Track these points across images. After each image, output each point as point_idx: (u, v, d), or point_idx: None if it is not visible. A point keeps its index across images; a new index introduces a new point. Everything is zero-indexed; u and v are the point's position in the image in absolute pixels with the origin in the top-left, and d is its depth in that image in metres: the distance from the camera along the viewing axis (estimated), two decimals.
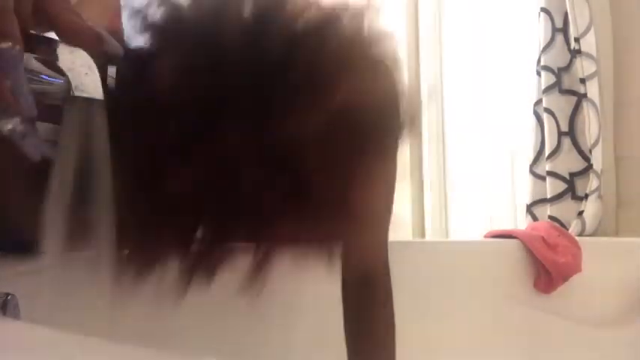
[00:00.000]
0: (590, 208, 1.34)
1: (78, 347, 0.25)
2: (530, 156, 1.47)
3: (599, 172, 1.34)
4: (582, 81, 1.38)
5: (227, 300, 0.55)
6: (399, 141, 0.47)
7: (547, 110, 1.42)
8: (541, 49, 1.44)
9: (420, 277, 0.99)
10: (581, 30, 1.38)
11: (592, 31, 1.38)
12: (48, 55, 0.36)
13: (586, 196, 1.35)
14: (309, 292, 0.77)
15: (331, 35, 0.39)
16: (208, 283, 0.39)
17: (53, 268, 0.34)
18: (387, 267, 0.62)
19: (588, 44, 1.38)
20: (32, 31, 0.36)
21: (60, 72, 0.36)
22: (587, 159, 1.39)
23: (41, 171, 0.34)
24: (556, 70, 1.43)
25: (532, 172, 1.46)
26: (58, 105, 0.35)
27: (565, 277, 1.10)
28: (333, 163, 0.38)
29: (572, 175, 1.39)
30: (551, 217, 1.38)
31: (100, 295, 0.38)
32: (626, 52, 1.43)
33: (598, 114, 1.36)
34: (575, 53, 1.39)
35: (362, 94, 0.39)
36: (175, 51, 0.37)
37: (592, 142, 1.36)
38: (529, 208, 1.45)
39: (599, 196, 1.34)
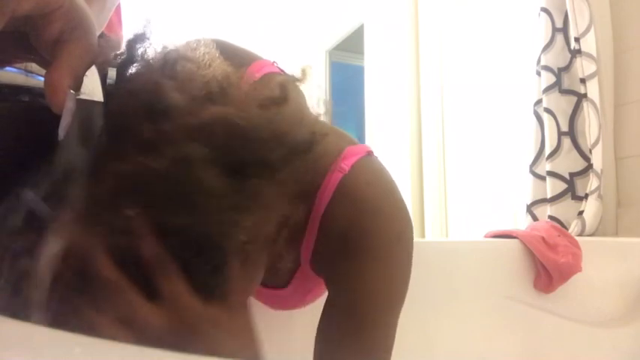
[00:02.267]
0: (590, 208, 1.34)
1: (78, 347, 0.25)
2: (530, 156, 1.47)
3: (599, 172, 1.34)
4: (582, 81, 1.38)
5: None
6: None
7: (547, 110, 1.42)
8: (541, 49, 1.45)
9: (420, 277, 0.99)
10: (581, 30, 1.38)
11: (592, 31, 1.38)
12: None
13: (586, 196, 1.35)
14: None
15: None
16: None
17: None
18: None
19: (588, 44, 1.38)
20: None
21: None
22: (587, 159, 1.39)
23: (39, 171, 0.34)
24: (556, 70, 1.43)
25: (532, 172, 1.46)
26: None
27: (565, 277, 1.10)
28: None
29: (572, 175, 1.39)
30: (551, 217, 1.38)
31: None
32: (626, 52, 1.43)
33: (598, 114, 1.36)
34: (575, 53, 1.40)
35: None
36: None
37: (592, 142, 1.36)
38: (529, 208, 1.45)
39: (599, 196, 1.34)
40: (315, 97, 0.49)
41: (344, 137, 0.60)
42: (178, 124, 0.35)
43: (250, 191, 0.37)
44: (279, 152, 0.38)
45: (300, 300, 0.66)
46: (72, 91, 0.35)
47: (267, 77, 0.54)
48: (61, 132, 0.34)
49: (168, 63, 0.38)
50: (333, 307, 0.55)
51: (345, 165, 0.55)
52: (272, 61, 0.65)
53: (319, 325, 0.56)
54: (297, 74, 0.48)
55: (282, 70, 0.66)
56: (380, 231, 0.54)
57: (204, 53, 0.41)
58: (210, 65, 0.40)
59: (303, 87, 0.49)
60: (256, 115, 0.38)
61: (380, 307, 0.55)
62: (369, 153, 0.59)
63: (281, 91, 0.42)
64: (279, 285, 0.64)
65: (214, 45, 0.44)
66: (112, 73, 0.39)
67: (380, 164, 0.60)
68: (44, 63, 0.37)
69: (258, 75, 0.59)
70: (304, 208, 0.54)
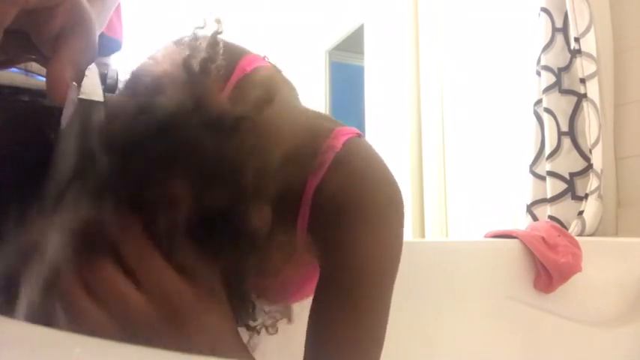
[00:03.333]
0: (590, 208, 1.34)
1: (78, 347, 0.25)
2: (530, 156, 1.47)
3: (599, 172, 1.34)
4: (582, 81, 1.38)
5: None
6: None
7: (547, 110, 1.42)
8: (541, 49, 1.45)
9: (420, 277, 0.99)
10: (581, 30, 1.38)
11: (592, 31, 1.38)
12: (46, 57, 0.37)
13: (586, 196, 1.35)
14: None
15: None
16: None
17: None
18: None
19: (588, 44, 1.38)
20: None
21: None
22: (587, 159, 1.39)
23: (39, 171, 0.34)
24: (556, 70, 1.43)
25: (532, 172, 1.46)
26: (57, 106, 0.35)
27: (565, 277, 1.10)
28: None
29: (572, 175, 1.39)
30: (551, 217, 1.38)
31: None
32: (626, 52, 1.43)
33: (598, 114, 1.36)
34: (575, 53, 1.40)
35: None
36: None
37: (592, 142, 1.36)
38: (529, 208, 1.45)
39: (599, 196, 1.34)
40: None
41: (333, 121, 0.63)
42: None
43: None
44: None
45: (296, 291, 0.67)
46: (74, 83, 0.35)
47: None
48: (64, 122, 0.35)
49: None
50: (328, 279, 0.56)
51: (337, 143, 0.57)
52: (262, 55, 0.65)
53: (314, 299, 0.57)
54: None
55: (272, 65, 0.66)
56: (370, 195, 0.56)
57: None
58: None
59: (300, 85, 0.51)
60: None
61: (375, 270, 0.56)
62: (359, 134, 0.61)
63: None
64: (273, 273, 0.64)
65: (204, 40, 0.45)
66: (112, 73, 0.39)
67: (369, 144, 0.62)
68: (45, 62, 0.37)
69: (248, 69, 0.60)
70: (296, 189, 0.56)
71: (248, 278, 0.45)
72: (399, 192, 0.59)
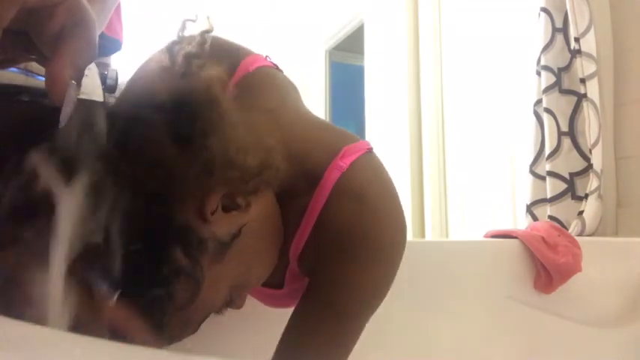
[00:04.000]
0: (590, 208, 1.34)
1: (78, 347, 0.25)
2: (530, 156, 1.47)
3: (599, 172, 1.34)
4: (582, 81, 1.38)
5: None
6: None
7: (547, 110, 1.42)
8: (541, 49, 1.44)
9: (420, 277, 0.99)
10: (581, 30, 1.38)
11: (592, 31, 1.38)
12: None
13: (586, 196, 1.35)
14: None
15: None
16: None
17: None
18: None
19: (588, 44, 1.38)
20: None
21: None
22: (587, 159, 1.39)
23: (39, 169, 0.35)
24: (556, 70, 1.43)
25: (532, 172, 1.46)
26: (57, 106, 0.35)
27: (565, 278, 1.10)
28: None
29: (572, 175, 1.39)
30: (551, 217, 1.38)
31: None
32: (626, 52, 1.43)
33: (598, 114, 1.36)
34: (575, 53, 1.39)
35: None
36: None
37: (592, 142, 1.35)
38: (529, 208, 1.45)
39: (599, 196, 1.34)
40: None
41: (343, 135, 0.60)
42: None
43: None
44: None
45: (293, 300, 0.66)
46: (73, 82, 0.35)
47: None
48: (63, 120, 0.35)
49: None
50: (312, 299, 0.56)
51: (344, 163, 0.55)
52: (264, 55, 0.65)
53: (292, 315, 0.57)
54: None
55: (274, 65, 0.66)
56: (376, 234, 0.54)
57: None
58: None
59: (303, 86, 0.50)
60: None
61: (358, 306, 0.56)
62: (369, 150, 0.59)
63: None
64: (274, 285, 0.64)
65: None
66: (112, 73, 0.39)
67: (379, 163, 0.59)
68: (45, 62, 0.37)
69: (251, 68, 0.60)
70: (299, 206, 0.54)
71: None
72: (404, 227, 0.57)
